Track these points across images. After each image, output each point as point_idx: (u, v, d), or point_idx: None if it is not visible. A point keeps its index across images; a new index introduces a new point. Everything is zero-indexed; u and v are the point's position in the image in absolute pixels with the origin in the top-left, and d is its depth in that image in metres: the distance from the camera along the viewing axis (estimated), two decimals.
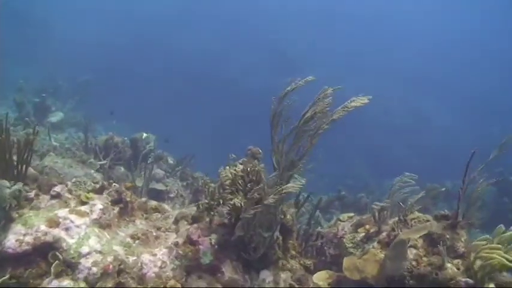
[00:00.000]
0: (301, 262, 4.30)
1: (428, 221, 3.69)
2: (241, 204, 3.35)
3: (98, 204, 3.56)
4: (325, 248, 4.70)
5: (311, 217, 5.07)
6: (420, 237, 3.65)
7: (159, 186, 6.00)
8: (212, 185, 3.65)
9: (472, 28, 37.33)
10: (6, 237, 3.07)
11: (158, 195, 5.89)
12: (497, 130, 25.64)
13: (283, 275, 3.86)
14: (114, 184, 4.01)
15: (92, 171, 5.81)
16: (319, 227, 5.63)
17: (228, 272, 3.57)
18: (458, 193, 3.67)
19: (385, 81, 32.74)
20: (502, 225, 3.53)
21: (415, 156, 25.96)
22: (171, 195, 6.32)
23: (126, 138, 8.11)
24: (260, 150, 4.87)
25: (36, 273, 3.06)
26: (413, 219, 3.74)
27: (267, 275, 3.79)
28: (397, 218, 3.83)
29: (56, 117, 11.06)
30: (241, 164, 3.58)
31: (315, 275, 3.82)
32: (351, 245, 4.24)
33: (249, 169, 3.48)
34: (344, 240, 4.32)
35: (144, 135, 7.99)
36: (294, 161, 3.63)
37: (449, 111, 30.89)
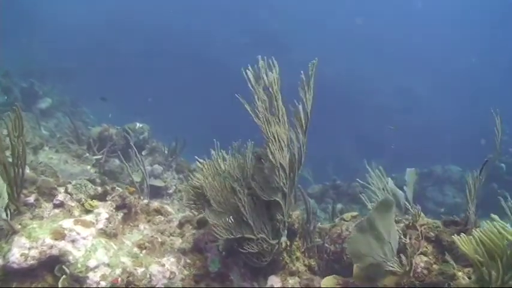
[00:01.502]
0: (306, 263, 4.27)
1: (438, 227, 3.66)
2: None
3: (103, 212, 3.46)
4: (326, 245, 4.67)
5: (308, 212, 5.00)
6: (429, 243, 3.63)
7: (158, 183, 5.90)
8: None
9: (461, 8, 37.18)
10: (10, 251, 2.96)
11: (157, 192, 5.79)
12: (482, 112, 25.88)
13: (291, 281, 3.82)
14: (117, 188, 3.90)
15: (88, 167, 5.68)
16: (319, 222, 5.58)
17: (237, 279, 3.53)
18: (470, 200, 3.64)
19: (373, 62, 32.72)
20: None
21: (403, 137, 26.10)
22: (170, 191, 6.22)
23: (118, 128, 7.96)
24: None
25: None
26: (423, 225, 3.70)
27: (275, 281, 3.74)
28: (405, 223, 3.79)
29: (44, 103, 10.82)
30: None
31: (323, 281, 3.77)
32: None
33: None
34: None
35: (138, 125, 7.84)
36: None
37: (438, 91, 31.04)
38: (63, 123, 10.60)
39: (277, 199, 3.48)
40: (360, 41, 34.46)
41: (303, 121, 3.65)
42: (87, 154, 6.05)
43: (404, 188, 4.71)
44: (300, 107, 3.60)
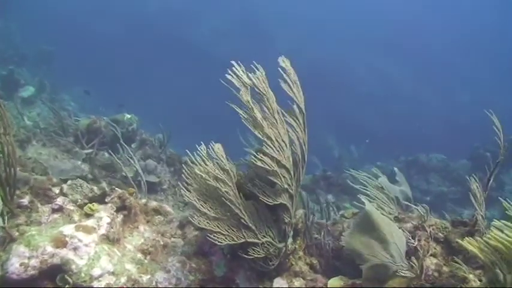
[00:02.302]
0: (307, 261, 4.20)
1: (446, 227, 3.61)
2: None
3: (104, 216, 3.31)
4: (329, 242, 4.61)
5: (307, 209, 4.92)
6: (438, 244, 3.59)
7: (152, 179, 5.73)
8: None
9: None
10: (9, 261, 2.81)
11: (151, 188, 5.63)
12: (467, 99, 26.18)
13: (296, 282, 3.75)
14: (115, 189, 3.75)
15: (79, 162, 5.48)
16: (315, 217, 5.51)
17: (243, 283, 3.44)
18: (475, 196, 3.60)
19: (354, 49, 32.73)
20: None
21: (383, 124, 26.29)
22: (164, 186, 6.07)
23: (105, 118, 7.73)
24: None
25: None
26: (431, 225, 3.65)
27: (281, 284, 3.66)
28: (413, 224, 3.74)
29: (26, 92, 10.47)
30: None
31: (329, 282, 3.71)
32: None
33: None
34: None
35: (127, 116, 7.63)
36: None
37: (419, 79, 31.25)
38: (47, 113, 10.29)
39: (284, 202, 3.37)
40: (342, 28, 34.41)
41: (300, 118, 3.55)
42: (77, 148, 5.85)
43: (402, 187, 4.67)
44: (295, 106, 3.51)
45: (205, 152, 3.29)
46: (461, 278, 3.20)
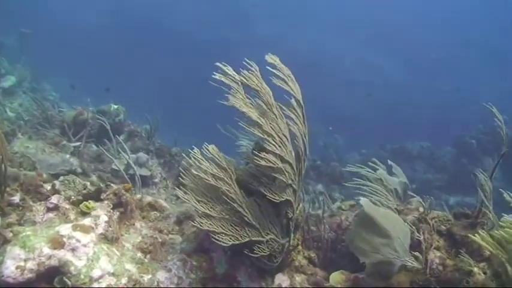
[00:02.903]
0: (305, 255, 4.15)
1: (448, 220, 3.58)
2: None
3: (102, 215, 3.19)
4: (329, 234, 4.56)
5: (303, 201, 4.86)
6: (441, 237, 3.56)
7: (144, 172, 5.59)
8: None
9: None
10: (4, 264, 2.67)
11: (143, 181, 5.48)
12: (451, 87, 26.38)
13: (298, 278, 3.69)
14: (111, 185, 3.62)
15: (68, 156, 5.32)
16: (310, 209, 5.45)
17: (244, 280, 3.36)
18: (479, 189, 3.56)
19: (338, 36, 32.70)
20: None
21: (368, 112, 26.39)
22: (156, 180, 5.93)
23: (91, 108, 7.55)
24: None
25: None
26: (433, 218, 3.61)
27: (282, 280, 3.60)
28: (415, 217, 3.69)
29: (7, 82, 10.16)
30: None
31: (331, 277, 3.65)
32: None
33: None
34: None
35: (113, 106, 7.45)
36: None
37: (402, 67, 31.39)
38: (27, 101, 10.02)
39: (289, 198, 3.29)
40: (325, 15, 34.29)
41: (298, 111, 3.48)
42: (65, 141, 5.67)
43: (401, 179, 4.61)
44: (293, 100, 3.44)
45: (199, 153, 3.18)
46: (467, 272, 3.17)
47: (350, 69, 31.11)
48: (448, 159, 13.48)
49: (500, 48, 31.49)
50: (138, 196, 4.03)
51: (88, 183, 3.77)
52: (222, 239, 3.03)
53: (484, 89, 25.63)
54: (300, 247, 4.09)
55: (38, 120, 6.85)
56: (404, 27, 33.81)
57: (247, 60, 3.24)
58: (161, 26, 30.55)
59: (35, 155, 4.97)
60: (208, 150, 3.20)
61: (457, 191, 11.50)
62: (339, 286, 3.55)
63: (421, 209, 3.87)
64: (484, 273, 3.20)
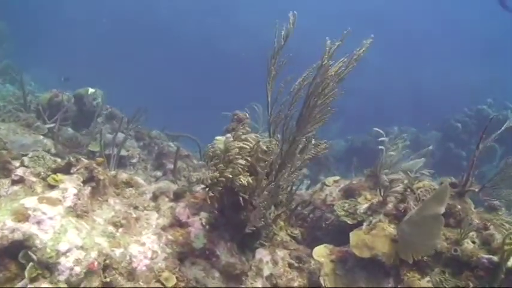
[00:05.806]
0: (288, 232, 4.03)
1: (435, 189, 3.47)
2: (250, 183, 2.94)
3: (70, 188, 3.02)
4: (306, 212, 4.44)
5: None
6: None
7: (121, 152, 5.41)
8: (218, 152, 3.07)
9: None
10: None
11: (120, 162, 5.31)
12: (429, 75, 26.43)
13: (280, 253, 3.56)
14: (82, 159, 3.44)
15: (41, 137, 5.11)
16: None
17: (224, 255, 3.21)
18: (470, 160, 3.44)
19: (318, 21, 32.49)
20: None
21: (350, 99, 26.27)
22: (133, 160, 5.76)
23: (68, 94, 7.31)
24: (247, 115, 4.43)
25: (4, 278, 2.54)
26: (419, 188, 3.50)
27: (263, 254, 3.47)
28: (400, 187, 3.57)
29: None
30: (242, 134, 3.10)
31: (314, 250, 3.53)
32: (343, 213, 3.99)
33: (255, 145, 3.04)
34: (335, 208, 4.05)
35: (90, 90, 7.21)
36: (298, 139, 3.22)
37: (384, 54, 31.28)
38: (4, 91, 9.72)
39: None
40: (307, 2, 34.04)
41: None
42: (38, 123, 5.45)
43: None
44: None
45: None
46: (455, 241, 3.07)
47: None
48: (434, 144, 13.40)
49: (490, 35, 31.55)
50: (113, 172, 3.86)
51: (59, 159, 3.59)
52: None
53: (466, 74, 25.79)
54: (281, 222, 3.97)
55: (13, 105, 6.62)
56: (388, 15, 33.71)
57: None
58: (141, 24, 30.14)
59: (7, 136, 4.75)
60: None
61: (444, 173, 11.42)
62: (322, 259, 3.43)
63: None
64: (473, 242, 3.09)
